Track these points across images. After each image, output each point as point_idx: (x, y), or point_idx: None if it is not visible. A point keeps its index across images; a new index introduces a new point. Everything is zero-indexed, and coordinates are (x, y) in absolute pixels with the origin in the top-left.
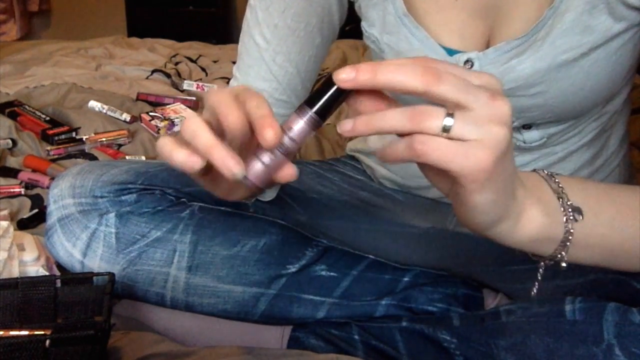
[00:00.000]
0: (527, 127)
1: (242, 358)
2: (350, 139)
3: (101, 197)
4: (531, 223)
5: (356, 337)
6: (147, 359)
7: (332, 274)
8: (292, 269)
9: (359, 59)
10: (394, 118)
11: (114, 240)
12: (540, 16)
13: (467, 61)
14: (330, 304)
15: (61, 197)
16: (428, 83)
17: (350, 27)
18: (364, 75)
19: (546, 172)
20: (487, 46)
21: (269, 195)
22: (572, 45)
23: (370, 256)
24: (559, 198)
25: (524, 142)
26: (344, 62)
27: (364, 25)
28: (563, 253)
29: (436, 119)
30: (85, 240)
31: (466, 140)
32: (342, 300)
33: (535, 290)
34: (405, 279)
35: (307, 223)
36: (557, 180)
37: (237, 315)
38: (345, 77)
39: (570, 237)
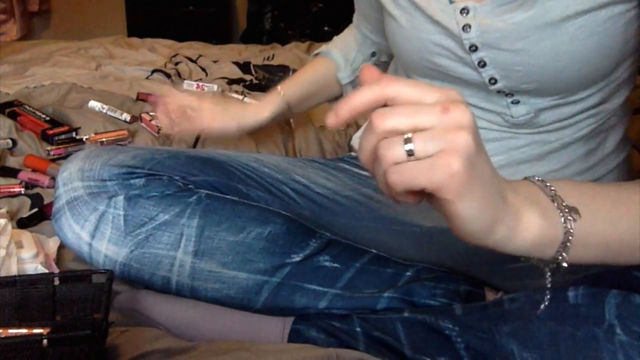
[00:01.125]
0: (516, 102)
1: (241, 353)
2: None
3: (109, 180)
4: (529, 227)
5: (358, 329)
6: (145, 356)
7: (335, 265)
8: (296, 258)
9: None
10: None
11: (122, 223)
12: None
13: (463, 9)
14: (333, 294)
15: (70, 180)
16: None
17: None
18: (343, 112)
19: (537, 179)
20: None
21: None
22: (561, 6)
23: (373, 250)
24: (553, 201)
25: (512, 117)
26: None
27: None
28: (564, 254)
29: (395, 147)
30: (93, 222)
31: (431, 155)
32: (345, 292)
33: (546, 301)
34: (408, 273)
35: (310, 218)
36: (548, 184)
37: (240, 302)
38: (332, 122)
39: (570, 238)
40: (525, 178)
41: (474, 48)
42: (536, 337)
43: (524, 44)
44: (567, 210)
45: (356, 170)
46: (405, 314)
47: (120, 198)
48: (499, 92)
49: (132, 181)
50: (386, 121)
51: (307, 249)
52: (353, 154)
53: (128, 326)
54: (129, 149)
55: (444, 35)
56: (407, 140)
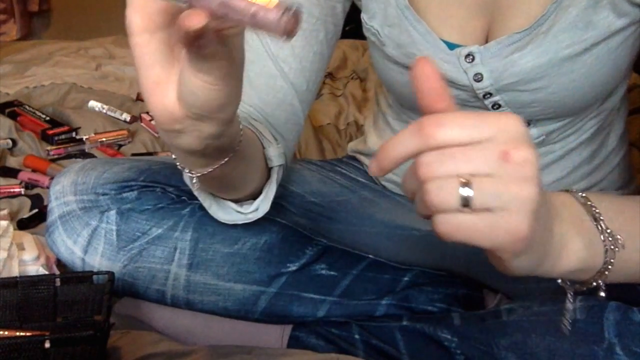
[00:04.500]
0: (526, 124)
1: (242, 357)
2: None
3: (103, 194)
4: (572, 257)
5: (357, 336)
6: (146, 358)
7: (332, 273)
8: (293, 267)
9: (358, 59)
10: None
11: (114, 238)
12: (543, 11)
13: (468, 55)
14: (331, 302)
15: (63, 194)
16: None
17: (350, 27)
18: (385, 164)
19: (581, 195)
20: (487, 41)
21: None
22: (575, 40)
23: (370, 256)
24: (597, 226)
25: None
26: (343, 63)
27: (364, 17)
28: (600, 282)
29: (450, 194)
30: (86, 237)
31: (491, 209)
32: (343, 299)
33: (567, 323)
34: (405, 278)
35: (307, 226)
36: (592, 205)
37: (237, 313)
38: (375, 170)
39: (610, 267)
40: (567, 190)
41: (488, 96)
42: (535, 352)
43: (541, 83)
44: (610, 238)
45: (353, 175)
46: (404, 322)
47: (113, 213)
48: None
49: (124, 195)
50: (438, 169)
51: (303, 258)
52: (352, 153)
53: (128, 329)
54: (125, 160)
55: (450, 88)
56: (463, 185)
